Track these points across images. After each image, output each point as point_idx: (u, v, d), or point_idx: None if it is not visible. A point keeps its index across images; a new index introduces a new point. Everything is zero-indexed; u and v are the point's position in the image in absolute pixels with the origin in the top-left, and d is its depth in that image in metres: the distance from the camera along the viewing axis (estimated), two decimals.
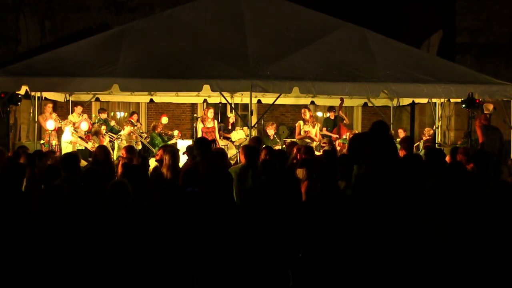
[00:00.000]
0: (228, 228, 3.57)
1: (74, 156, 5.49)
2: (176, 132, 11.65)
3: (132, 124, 10.55)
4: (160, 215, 3.58)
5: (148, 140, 11.01)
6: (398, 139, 10.38)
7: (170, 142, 10.90)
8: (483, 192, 4.10)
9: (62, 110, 12.87)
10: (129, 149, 6.53)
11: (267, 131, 10.74)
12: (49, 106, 10.51)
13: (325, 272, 3.84)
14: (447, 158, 6.64)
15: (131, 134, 10.32)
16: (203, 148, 5.53)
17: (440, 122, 10.44)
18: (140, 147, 10.63)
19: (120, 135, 10.25)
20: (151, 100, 12.49)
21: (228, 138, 10.90)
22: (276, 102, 9.29)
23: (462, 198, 3.68)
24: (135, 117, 12.11)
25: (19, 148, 6.87)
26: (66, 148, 9.24)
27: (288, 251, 4.32)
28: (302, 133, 10.29)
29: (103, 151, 6.55)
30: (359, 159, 5.75)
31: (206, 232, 3.53)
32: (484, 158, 5.40)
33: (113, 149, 9.91)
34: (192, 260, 3.47)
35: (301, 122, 10.34)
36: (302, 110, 10.37)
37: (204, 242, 3.50)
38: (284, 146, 9.90)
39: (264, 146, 7.02)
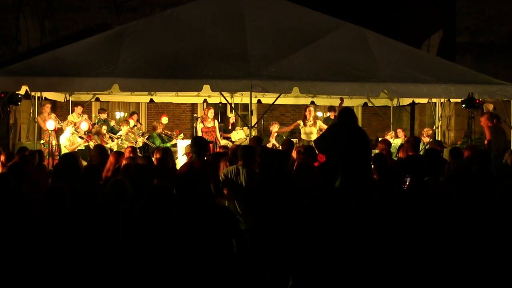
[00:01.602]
0: (203, 228, 3.52)
1: (73, 156, 5.49)
2: (181, 136, 11.65)
3: (128, 124, 10.56)
4: (146, 215, 3.56)
5: (145, 137, 11.03)
6: (397, 140, 10.41)
7: (169, 144, 10.92)
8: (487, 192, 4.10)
9: (62, 110, 12.89)
10: (134, 149, 6.65)
11: (271, 129, 10.75)
12: (47, 106, 10.51)
13: (324, 272, 3.84)
14: (447, 158, 6.66)
15: (129, 134, 10.32)
16: (198, 147, 5.52)
17: (440, 122, 10.44)
18: (140, 145, 10.66)
19: (121, 135, 10.27)
20: (151, 100, 12.49)
21: (228, 138, 10.90)
22: (276, 102, 9.28)
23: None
24: (135, 117, 12.11)
25: (18, 151, 6.90)
26: (64, 150, 9.25)
27: (286, 251, 4.32)
28: (302, 135, 10.25)
29: (98, 151, 6.57)
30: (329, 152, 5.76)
31: (185, 233, 3.50)
32: (486, 159, 5.40)
33: (111, 150, 9.92)
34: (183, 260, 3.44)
35: (301, 122, 10.29)
36: (308, 109, 10.29)
37: (186, 243, 3.47)
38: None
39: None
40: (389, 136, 10.33)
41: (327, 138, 6.05)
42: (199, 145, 5.56)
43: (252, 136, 7.92)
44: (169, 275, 3.39)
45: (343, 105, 10.66)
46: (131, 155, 6.46)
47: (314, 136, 10.09)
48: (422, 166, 4.94)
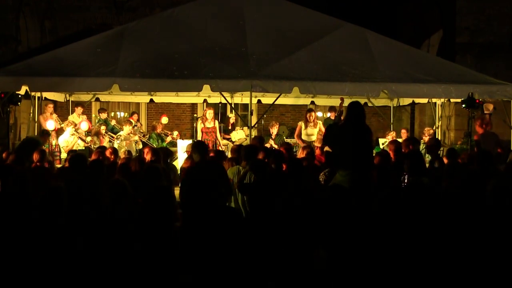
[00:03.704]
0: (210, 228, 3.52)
1: (82, 156, 5.52)
2: (175, 134, 11.64)
3: (131, 124, 10.55)
4: (147, 214, 3.56)
5: (146, 139, 11.03)
6: (399, 139, 10.40)
7: (164, 143, 10.93)
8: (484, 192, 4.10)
9: (62, 110, 12.88)
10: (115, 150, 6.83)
11: (271, 130, 10.77)
12: (50, 106, 10.51)
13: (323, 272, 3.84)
14: (444, 159, 6.66)
15: (131, 134, 10.31)
16: (199, 149, 5.51)
17: (440, 122, 10.43)
18: (140, 146, 10.65)
19: (120, 135, 10.26)
20: (151, 100, 12.49)
21: (228, 139, 10.90)
22: (276, 102, 9.28)
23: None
24: (135, 117, 12.10)
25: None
26: (63, 151, 9.23)
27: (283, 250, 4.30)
28: (303, 136, 10.21)
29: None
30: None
31: (189, 233, 3.50)
32: (488, 158, 5.40)
33: None
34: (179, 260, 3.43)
35: (302, 123, 10.25)
36: (308, 114, 10.24)
37: (189, 243, 3.46)
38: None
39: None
40: (390, 136, 10.32)
41: (332, 134, 6.00)
42: (199, 147, 5.54)
43: (253, 136, 7.92)
44: (170, 276, 3.39)
45: (343, 105, 10.65)
46: (112, 156, 6.56)
47: (314, 138, 10.07)
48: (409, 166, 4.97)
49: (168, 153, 7.00)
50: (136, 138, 10.59)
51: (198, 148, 5.54)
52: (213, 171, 4.98)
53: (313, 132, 10.10)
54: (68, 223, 3.61)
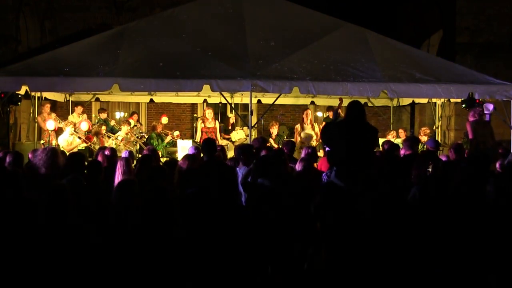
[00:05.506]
0: (223, 227, 3.53)
1: (80, 156, 5.50)
2: (176, 133, 11.64)
3: (129, 124, 10.54)
4: (144, 215, 3.56)
5: (143, 140, 11.02)
6: (398, 140, 10.41)
7: (164, 143, 10.93)
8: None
9: (62, 110, 12.89)
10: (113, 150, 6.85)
11: (270, 130, 10.78)
12: (47, 106, 10.50)
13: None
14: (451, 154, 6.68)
15: (128, 134, 10.29)
16: (207, 147, 5.49)
17: (440, 122, 10.43)
18: (138, 147, 10.64)
19: (119, 135, 10.25)
20: (151, 100, 12.50)
21: (228, 138, 10.91)
22: (276, 102, 9.29)
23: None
24: (135, 117, 12.10)
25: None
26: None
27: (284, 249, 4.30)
28: (298, 138, 10.25)
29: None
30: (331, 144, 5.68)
31: (195, 232, 3.50)
32: (484, 160, 5.38)
33: None
34: (181, 260, 3.43)
35: (298, 126, 10.30)
36: (305, 112, 10.32)
37: (192, 243, 3.46)
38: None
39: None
40: (390, 136, 10.34)
41: (328, 131, 5.97)
42: (208, 145, 5.51)
43: (255, 137, 7.92)
44: (173, 275, 3.40)
45: (342, 105, 10.66)
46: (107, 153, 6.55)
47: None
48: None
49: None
50: (133, 139, 10.57)
51: (208, 146, 5.49)
52: (225, 171, 4.96)
53: (311, 133, 10.13)
54: (76, 222, 3.61)
